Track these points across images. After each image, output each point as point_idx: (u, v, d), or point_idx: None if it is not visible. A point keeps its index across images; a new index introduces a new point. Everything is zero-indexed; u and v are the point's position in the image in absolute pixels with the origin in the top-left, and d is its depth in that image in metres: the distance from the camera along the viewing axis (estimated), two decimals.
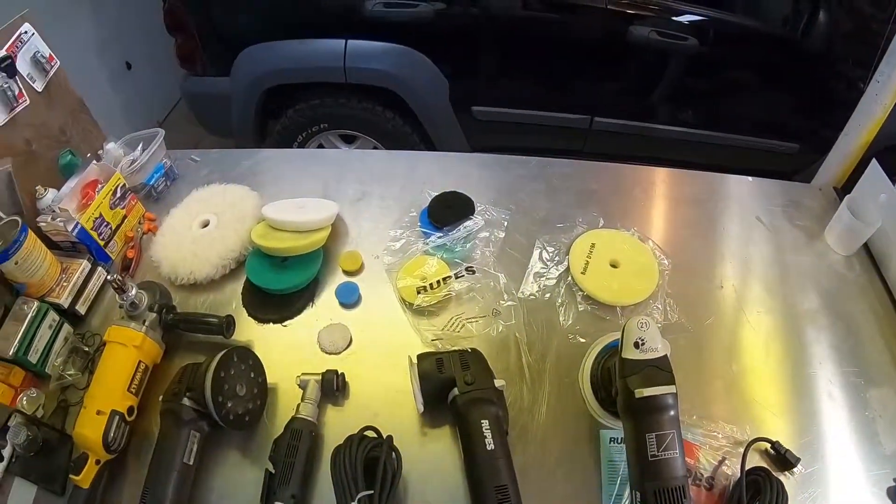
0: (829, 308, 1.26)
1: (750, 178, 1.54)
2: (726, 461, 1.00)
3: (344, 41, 2.36)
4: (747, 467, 0.97)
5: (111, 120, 2.85)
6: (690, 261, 1.33)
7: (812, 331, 1.21)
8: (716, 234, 1.40)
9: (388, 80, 2.39)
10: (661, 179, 1.54)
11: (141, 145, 1.45)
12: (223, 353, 0.96)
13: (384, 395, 1.07)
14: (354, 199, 1.42)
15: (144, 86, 3.32)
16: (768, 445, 1.02)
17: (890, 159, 1.35)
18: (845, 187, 1.52)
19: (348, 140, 2.71)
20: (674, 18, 2.30)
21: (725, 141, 2.58)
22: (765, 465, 1.00)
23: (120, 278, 1.03)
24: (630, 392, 0.87)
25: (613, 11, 2.28)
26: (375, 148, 2.63)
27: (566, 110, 2.56)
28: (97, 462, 0.94)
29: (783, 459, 1.00)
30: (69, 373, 1.09)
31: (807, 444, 1.04)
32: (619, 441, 1.02)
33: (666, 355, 0.90)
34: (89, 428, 0.93)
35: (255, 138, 2.66)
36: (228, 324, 1.09)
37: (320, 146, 2.70)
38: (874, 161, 1.37)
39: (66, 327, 1.14)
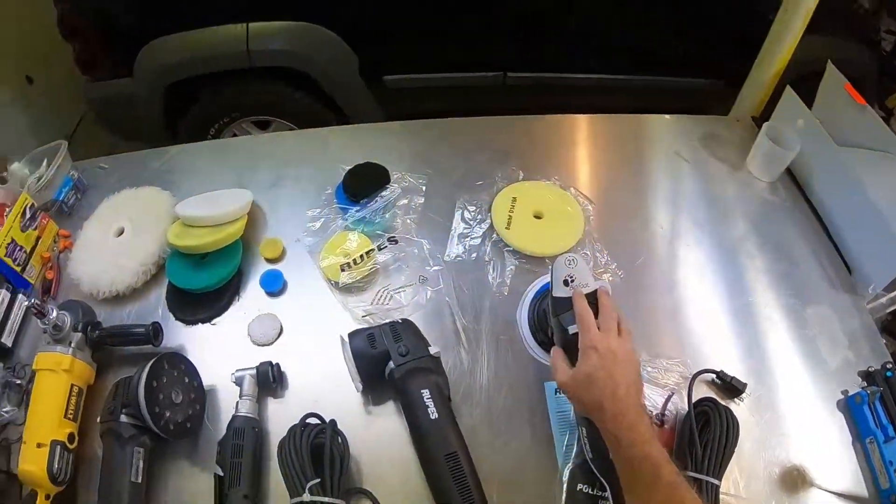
0: (759, 234, 1.30)
1: (667, 116, 1.57)
2: (674, 396, 1.02)
3: (245, 24, 2.27)
4: (695, 399, 0.99)
5: (18, 138, 2.76)
6: (615, 203, 1.35)
7: (744, 259, 1.26)
8: (637, 175, 1.43)
9: (294, 59, 2.32)
10: (575, 126, 1.56)
11: (46, 161, 1.39)
12: (152, 362, 0.95)
13: (323, 380, 1.06)
14: (269, 184, 1.39)
15: (49, 99, 3.16)
16: (714, 376, 1.05)
17: (803, 88, 1.39)
18: (762, 117, 1.55)
19: (263, 126, 2.64)
20: None
21: (642, 84, 2.61)
22: (713, 395, 1.03)
23: (38, 303, 1.00)
24: (564, 329, 0.89)
25: None
26: (290, 130, 2.56)
27: (478, 69, 2.54)
28: (47, 497, 0.90)
29: (730, 387, 1.04)
30: (5, 410, 1.05)
31: (752, 369, 1.08)
32: None
33: (596, 290, 0.91)
34: (32, 463, 0.90)
35: (166, 137, 2.54)
36: (156, 331, 1.07)
37: (234, 136, 2.62)
38: (788, 87, 1.41)
39: None
